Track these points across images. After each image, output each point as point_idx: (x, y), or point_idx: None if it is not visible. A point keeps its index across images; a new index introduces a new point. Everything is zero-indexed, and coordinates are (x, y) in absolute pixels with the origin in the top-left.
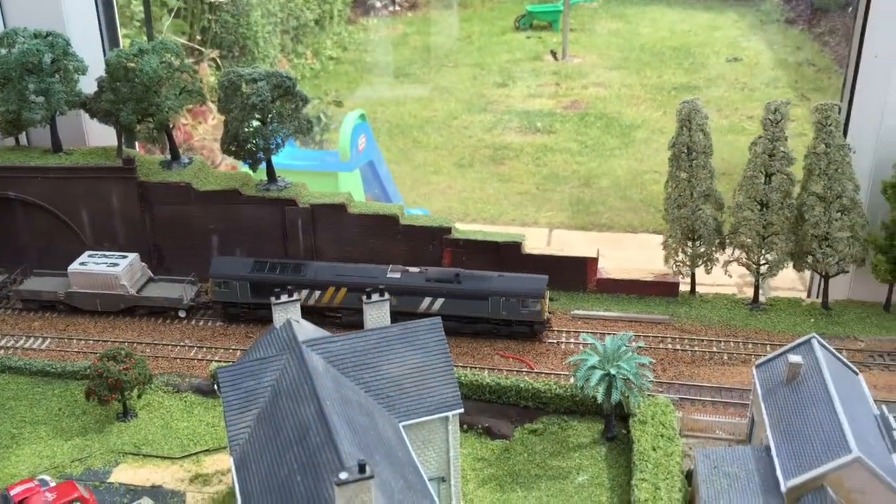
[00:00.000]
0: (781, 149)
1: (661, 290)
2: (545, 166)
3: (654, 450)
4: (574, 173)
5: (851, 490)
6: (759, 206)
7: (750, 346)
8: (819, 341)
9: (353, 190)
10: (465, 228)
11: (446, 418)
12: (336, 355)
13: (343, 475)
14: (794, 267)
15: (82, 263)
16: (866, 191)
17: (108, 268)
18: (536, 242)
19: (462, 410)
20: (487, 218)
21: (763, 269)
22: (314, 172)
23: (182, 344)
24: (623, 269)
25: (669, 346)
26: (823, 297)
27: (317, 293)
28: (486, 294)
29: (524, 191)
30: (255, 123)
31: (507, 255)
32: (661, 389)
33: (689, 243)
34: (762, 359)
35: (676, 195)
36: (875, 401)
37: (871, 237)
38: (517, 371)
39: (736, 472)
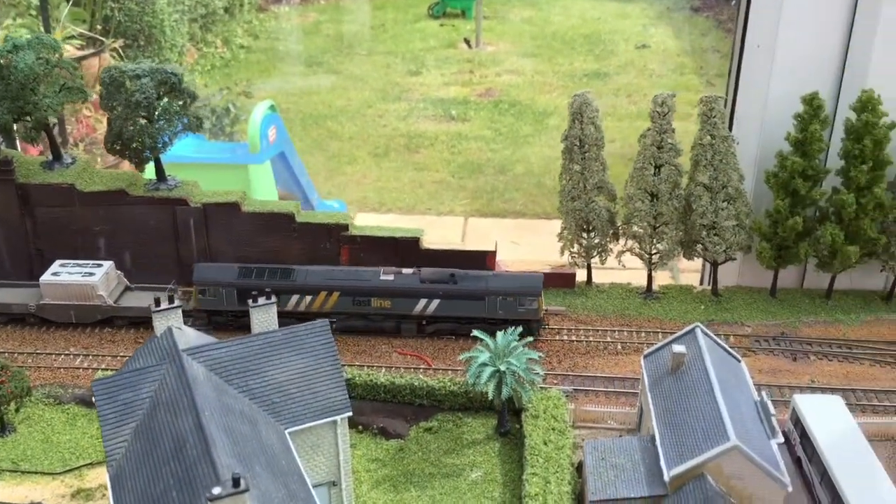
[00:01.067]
0: (669, 140)
1: (558, 281)
2: (460, 154)
3: (545, 444)
4: (489, 161)
5: (731, 476)
6: (649, 197)
7: (643, 334)
8: (703, 330)
9: (264, 182)
10: (366, 223)
11: (335, 422)
12: (219, 363)
13: (216, 490)
14: (684, 255)
15: (55, 273)
16: (751, 180)
17: (84, 277)
18: (452, 231)
19: (350, 414)
20: (403, 207)
21: (655, 258)
22: (223, 165)
23: (67, 353)
24: (522, 261)
25: (565, 337)
26: (713, 284)
27: (308, 298)
28: (483, 294)
29: (440, 179)
30: (142, 122)
31: (405, 250)
32: (556, 381)
33: (584, 235)
34: (650, 349)
35: (570, 187)
36: (760, 385)
37: (756, 225)
38: (415, 368)
39: (623, 462)
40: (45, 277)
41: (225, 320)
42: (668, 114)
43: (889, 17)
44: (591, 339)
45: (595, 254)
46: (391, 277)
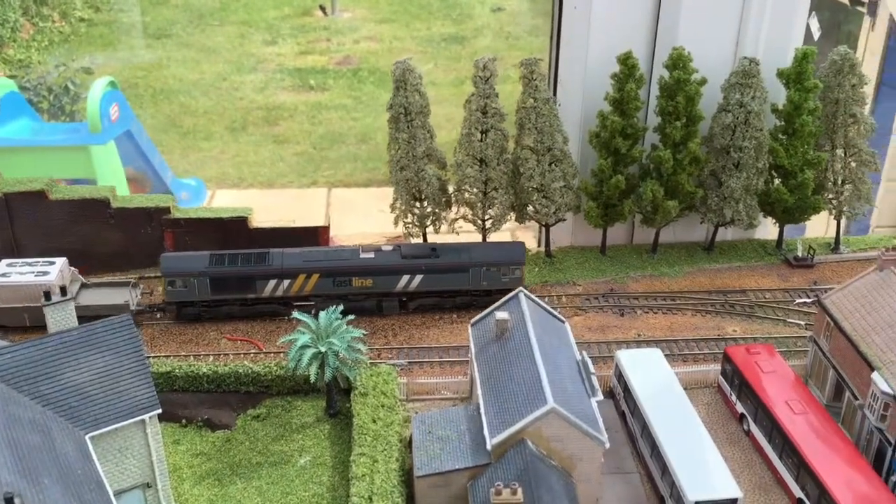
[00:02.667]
0: (493, 105)
1: None
2: (321, 125)
3: (374, 421)
4: (350, 130)
5: (550, 439)
6: (478, 163)
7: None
8: (526, 295)
9: (109, 164)
10: (227, 200)
11: (143, 421)
12: (6, 368)
13: None
14: (516, 219)
15: (4, 275)
16: (577, 140)
17: (37, 277)
18: (316, 203)
19: (159, 411)
20: (264, 182)
21: (488, 223)
22: (62, 148)
23: None
24: (359, 234)
25: (402, 309)
26: (546, 245)
27: (286, 282)
28: (467, 266)
29: (301, 151)
30: None
31: (233, 230)
32: (391, 356)
33: (416, 204)
34: (476, 316)
35: (399, 157)
36: (589, 342)
37: (582, 185)
38: (245, 353)
39: (448, 434)
40: None
41: (197, 311)
42: (491, 78)
43: None
44: (426, 309)
45: (429, 223)
46: (372, 255)
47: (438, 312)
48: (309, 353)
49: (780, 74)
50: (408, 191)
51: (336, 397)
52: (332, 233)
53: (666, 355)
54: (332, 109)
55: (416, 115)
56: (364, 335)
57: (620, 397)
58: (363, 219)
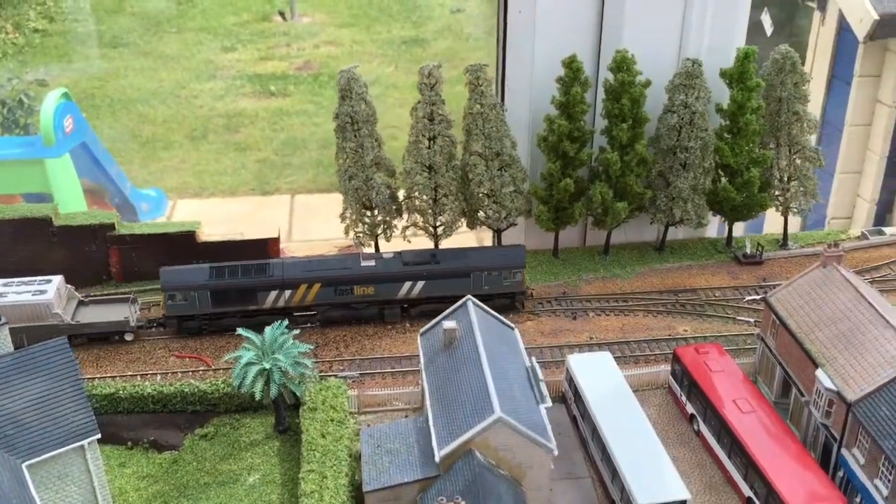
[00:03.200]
0: (440, 112)
1: None
2: (283, 131)
3: (323, 437)
4: (312, 135)
5: (498, 448)
6: (427, 170)
7: None
8: (474, 303)
9: (65, 177)
10: (188, 210)
11: (82, 447)
12: None
13: None
14: (467, 225)
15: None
16: (526, 145)
17: (35, 296)
18: (280, 210)
19: (98, 436)
20: (226, 190)
21: (439, 230)
22: (16, 162)
23: None
24: (308, 244)
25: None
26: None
27: (287, 293)
28: (468, 271)
29: (263, 158)
30: None
31: (181, 245)
32: (342, 368)
33: (367, 213)
34: (425, 326)
35: (347, 166)
36: (542, 347)
37: (533, 189)
38: (194, 371)
39: (398, 447)
40: None
41: (198, 325)
42: (436, 85)
43: None
44: (378, 320)
45: (380, 231)
46: (373, 263)
47: (391, 323)
48: (254, 370)
49: (724, 74)
50: (357, 200)
51: (284, 413)
52: (283, 244)
53: (618, 357)
54: (294, 115)
55: (363, 124)
56: (311, 349)
57: (571, 402)
58: (326, 224)
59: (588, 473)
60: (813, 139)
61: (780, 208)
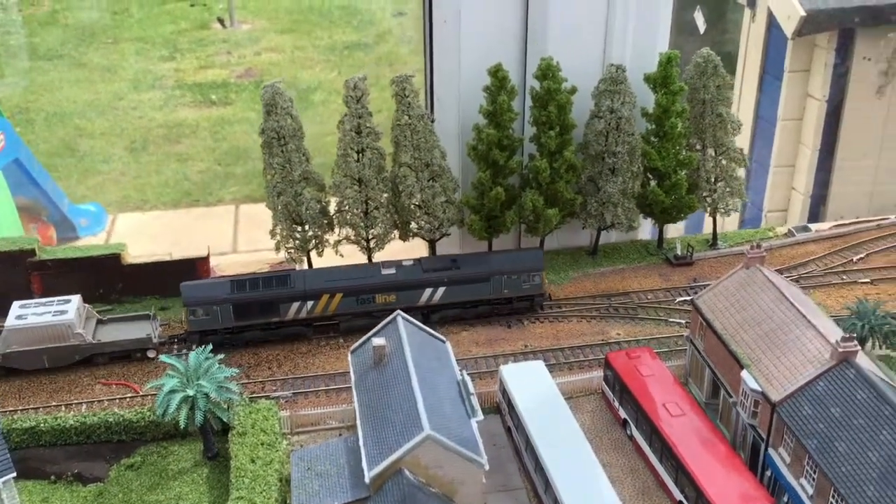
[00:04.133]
0: (367, 124)
1: None
2: (225, 140)
3: (252, 461)
4: (255, 144)
5: (429, 466)
6: (356, 183)
7: None
8: (403, 318)
9: None
10: (129, 224)
11: None
12: None
13: None
14: (400, 237)
15: (19, 317)
16: (457, 154)
17: (56, 317)
18: (224, 221)
19: (14, 475)
20: (168, 202)
21: (372, 243)
22: None
23: None
24: (239, 262)
25: (150, 355)
26: None
27: (309, 304)
28: (488, 275)
29: (205, 168)
30: None
31: (106, 269)
32: (275, 388)
33: (298, 228)
34: (356, 343)
35: (275, 182)
36: (476, 358)
37: (464, 199)
38: (121, 399)
39: (328, 469)
40: (11, 323)
41: (220, 339)
42: (363, 97)
43: None
44: (311, 336)
45: (311, 246)
46: (393, 271)
47: (325, 339)
48: (177, 397)
49: (647, 79)
50: (287, 216)
51: (213, 439)
52: (214, 262)
53: (552, 365)
54: (236, 124)
55: (290, 139)
56: (235, 374)
57: (506, 412)
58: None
59: (523, 484)
60: (747, 136)
61: (709, 209)
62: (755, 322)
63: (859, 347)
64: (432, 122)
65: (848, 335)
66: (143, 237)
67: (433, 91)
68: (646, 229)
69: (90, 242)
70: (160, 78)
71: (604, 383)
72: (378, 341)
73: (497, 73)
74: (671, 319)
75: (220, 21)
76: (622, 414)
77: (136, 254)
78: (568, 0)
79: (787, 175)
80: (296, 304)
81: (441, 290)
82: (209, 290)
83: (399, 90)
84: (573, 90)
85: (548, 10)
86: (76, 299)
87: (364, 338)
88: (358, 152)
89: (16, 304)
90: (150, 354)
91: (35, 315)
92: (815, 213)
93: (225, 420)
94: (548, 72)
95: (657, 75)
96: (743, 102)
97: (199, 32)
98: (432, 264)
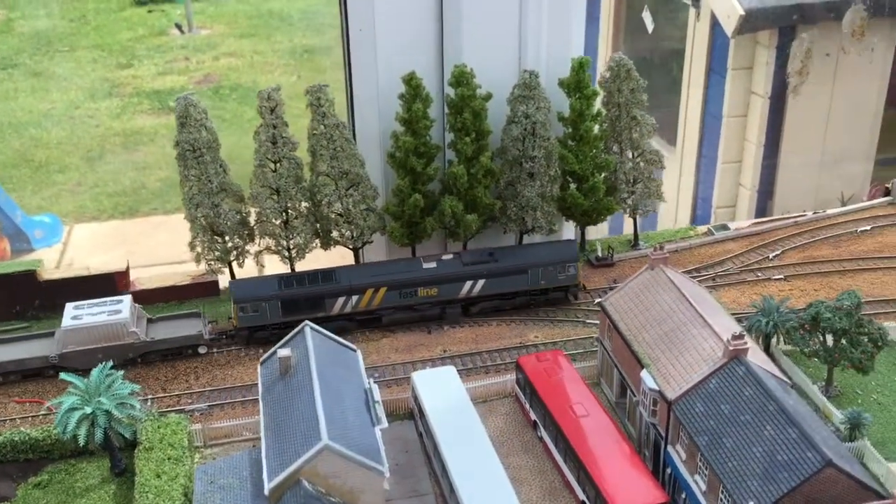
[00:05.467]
0: (283, 134)
1: (200, 291)
2: None
3: (157, 477)
4: None
5: (328, 476)
6: (275, 194)
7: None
8: (311, 328)
9: None
10: (85, 235)
11: None
12: None
13: None
14: (321, 246)
15: (75, 318)
16: (379, 161)
17: (111, 316)
18: (183, 230)
19: None
20: (126, 212)
21: (294, 253)
22: None
23: None
24: (158, 276)
25: (203, 349)
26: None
27: (354, 298)
28: (526, 267)
29: (164, 177)
30: None
31: (22, 285)
32: (191, 401)
33: (218, 240)
34: (265, 354)
35: (192, 195)
36: (394, 364)
37: (385, 206)
38: (33, 417)
39: (231, 482)
40: (67, 323)
41: (267, 335)
42: (277, 108)
43: None
44: (232, 347)
45: (233, 258)
46: (434, 265)
47: (244, 349)
48: (76, 415)
49: (562, 84)
50: (206, 228)
51: (120, 455)
52: (133, 276)
53: (470, 369)
54: None
55: (206, 151)
56: (137, 390)
57: (418, 418)
58: None
59: (432, 490)
60: (696, 133)
61: (628, 210)
62: (656, 322)
63: (749, 345)
64: (347, 130)
65: (738, 333)
66: (100, 247)
67: (353, 99)
68: (570, 231)
69: (36, 256)
70: (117, 86)
71: (516, 386)
72: (283, 352)
73: (411, 81)
74: (588, 321)
75: (178, 27)
76: (532, 416)
77: (92, 265)
78: (481, 8)
79: (734, 171)
80: (341, 299)
81: (481, 282)
82: (257, 288)
83: (314, 100)
84: (488, 96)
85: (461, 18)
86: (127, 299)
87: (272, 349)
88: (274, 162)
89: (69, 305)
90: (201, 350)
91: (90, 315)
92: (763, 208)
93: (127, 437)
94: (461, 79)
95: (570, 80)
96: (691, 100)
97: (157, 39)
98: (472, 258)
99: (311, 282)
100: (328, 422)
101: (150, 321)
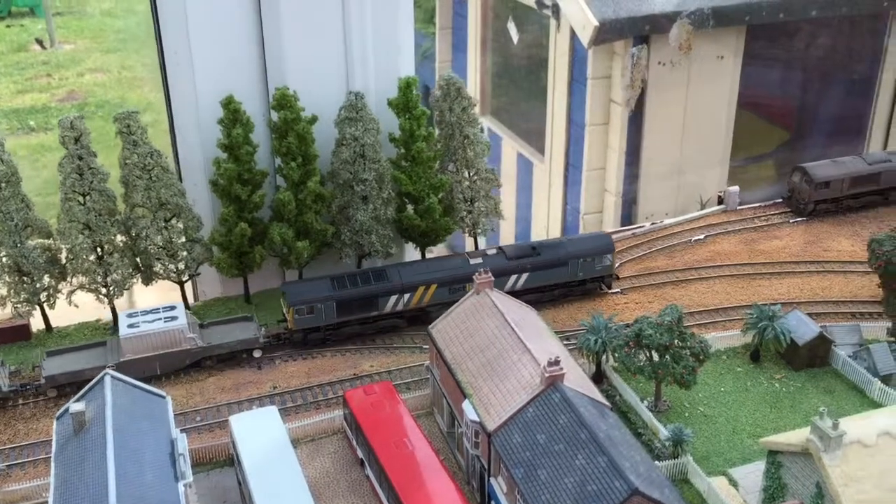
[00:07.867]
0: (91, 165)
1: (10, 336)
2: (45, 168)
3: None
4: None
5: None
6: (86, 229)
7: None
8: (113, 377)
9: None
10: None
11: None
12: None
13: None
14: (143, 281)
15: (131, 326)
16: (205, 189)
17: (167, 323)
18: None
19: None
20: None
21: (112, 290)
22: None
23: None
24: None
25: (10, 404)
26: (187, 301)
27: (406, 296)
28: (567, 259)
29: None
30: None
31: None
32: None
33: (26, 280)
34: (62, 408)
35: None
36: (218, 406)
37: (212, 236)
38: None
39: None
40: (125, 332)
41: (321, 336)
42: (82, 137)
43: (289, 13)
44: (40, 398)
45: (44, 298)
46: (480, 260)
47: (53, 401)
48: None
49: (390, 104)
50: (11, 267)
51: None
52: None
53: (299, 405)
54: (57, 151)
55: (5, 186)
56: None
57: (236, 465)
58: None
59: None
60: (562, 141)
61: (467, 230)
62: (480, 349)
63: (565, 370)
64: (165, 158)
65: (555, 359)
66: None
67: (174, 125)
68: (411, 253)
69: None
70: None
71: (344, 422)
72: (76, 407)
73: (229, 105)
74: (424, 346)
75: (39, 42)
76: (360, 453)
77: None
78: (302, 29)
79: (599, 178)
80: (394, 297)
81: (525, 276)
82: (312, 290)
83: (123, 127)
84: (313, 119)
85: (282, 40)
86: (181, 306)
87: (68, 403)
88: (83, 195)
89: (123, 314)
90: (256, 354)
91: (146, 323)
92: (628, 214)
93: None
94: (284, 101)
95: (399, 100)
96: (556, 109)
97: (16, 55)
98: (515, 252)
99: (364, 282)
100: (119, 484)
101: (202, 326)
